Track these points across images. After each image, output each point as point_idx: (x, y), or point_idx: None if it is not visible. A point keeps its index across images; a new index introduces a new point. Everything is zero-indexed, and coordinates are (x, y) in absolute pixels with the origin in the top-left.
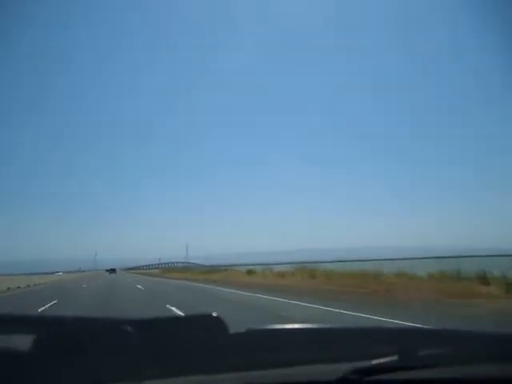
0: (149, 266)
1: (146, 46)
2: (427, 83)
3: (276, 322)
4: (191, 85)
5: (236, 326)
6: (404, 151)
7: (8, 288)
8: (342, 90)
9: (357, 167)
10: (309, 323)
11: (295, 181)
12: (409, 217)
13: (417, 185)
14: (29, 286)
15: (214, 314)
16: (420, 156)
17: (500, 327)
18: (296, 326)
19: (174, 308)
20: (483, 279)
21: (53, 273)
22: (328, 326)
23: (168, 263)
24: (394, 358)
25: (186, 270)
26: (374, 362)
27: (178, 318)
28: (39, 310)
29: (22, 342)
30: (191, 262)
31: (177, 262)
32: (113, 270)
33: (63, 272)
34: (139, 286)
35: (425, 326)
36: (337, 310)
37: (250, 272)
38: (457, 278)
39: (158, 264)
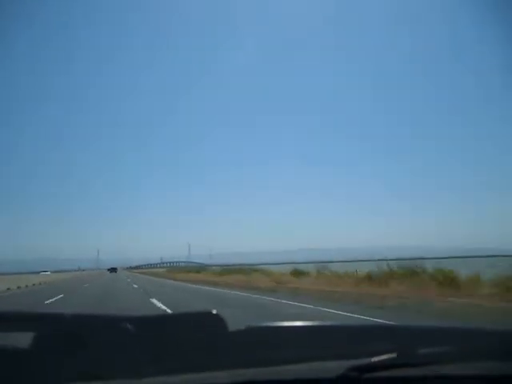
0: (151, 265)
1: (146, 46)
2: (427, 83)
3: None
4: (191, 85)
5: None
6: (404, 151)
7: None
8: (342, 89)
9: (357, 167)
10: (309, 321)
11: (295, 181)
12: (409, 217)
13: (417, 184)
14: None
15: (214, 312)
16: (420, 156)
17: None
18: (296, 323)
19: None
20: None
21: (38, 272)
22: (328, 323)
23: (170, 262)
24: (394, 355)
25: (200, 270)
26: (374, 359)
27: (177, 315)
28: None
29: (22, 339)
30: (193, 261)
31: (179, 262)
32: (113, 269)
33: (50, 271)
34: (154, 301)
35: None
36: None
37: (296, 273)
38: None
39: (161, 263)
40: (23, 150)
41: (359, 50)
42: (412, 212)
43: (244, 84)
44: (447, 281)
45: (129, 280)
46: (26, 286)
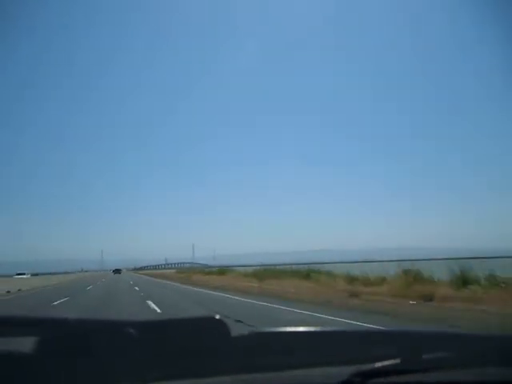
0: (156, 267)
1: (146, 46)
2: (427, 83)
3: None
4: (192, 85)
5: None
6: (404, 151)
7: None
8: (342, 89)
9: (357, 167)
10: (311, 326)
11: (295, 181)
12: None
13: (417, 184)
14: None
15: (217, 317)
16: (420, 156)
17: None
18: (299, 328)
19: None
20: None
21: (11, 276)
22: (331, 328)
23: (175, 263)
24: (397, 360)
25: (224, 271)
26: (377, 364)
27: (180, 320)
28: None
29: (25, 344)
30: (198, 262)
31: (184, 263)
32: (117, 271)
33: (52, 273)
34: None
35: (427, 329)
36: None
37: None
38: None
39: (166, 264)
40: (25, 151)
41: (359, 50)
42: (412, 212)
43: (244, 84)
44: None
45: (137, 289)
46: None
